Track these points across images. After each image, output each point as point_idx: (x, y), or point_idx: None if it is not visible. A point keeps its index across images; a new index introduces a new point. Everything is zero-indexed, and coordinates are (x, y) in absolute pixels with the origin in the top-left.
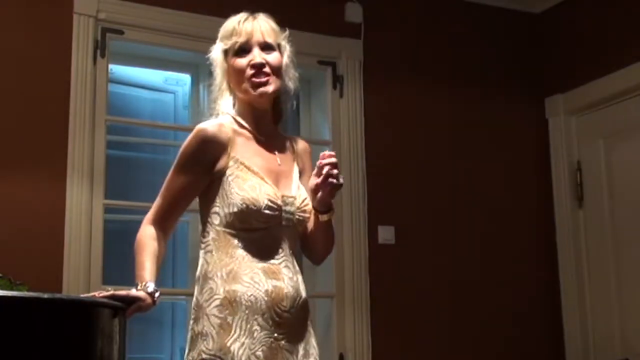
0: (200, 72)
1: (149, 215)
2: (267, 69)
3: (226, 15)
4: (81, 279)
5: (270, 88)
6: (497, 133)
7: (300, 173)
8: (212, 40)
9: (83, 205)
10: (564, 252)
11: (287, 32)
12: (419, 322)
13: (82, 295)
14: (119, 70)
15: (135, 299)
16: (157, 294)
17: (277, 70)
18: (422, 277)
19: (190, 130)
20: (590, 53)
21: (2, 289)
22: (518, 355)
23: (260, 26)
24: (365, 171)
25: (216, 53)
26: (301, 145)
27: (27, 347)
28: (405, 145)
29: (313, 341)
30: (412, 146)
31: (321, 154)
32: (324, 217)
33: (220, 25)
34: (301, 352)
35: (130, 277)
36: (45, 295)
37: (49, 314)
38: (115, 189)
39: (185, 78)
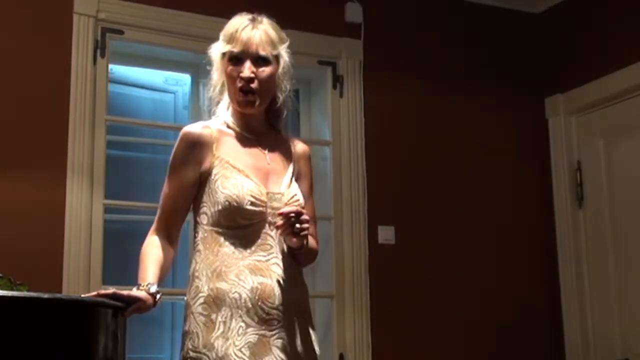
0: (200, 72)
1: (153, 225)
2: (255, 85)
3: (226, 15)
4: (81, 279)
5: (254, 105)
6: (497, 133)
7: (298, 175)
8: (212, 40)
9: (83, 205)
10: (564, 252)
11: (287, 42)
12: (418, 322)
13: (83, 295)
14: (119, 70)
15: (135, 299)
16: (158, 296)
17: (265, 85)
18: (422, 277)
19: None
20: (590, 53)
21: (2, 289)
22: (518, 355)
23: (258, 37)
24: (365, 171)
25: (215, 53)
26: (300, 148)
27: (27, 347)
28: (405, 145)
29: (312, 340)
30: (412, 146)
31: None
32: (295, 251)
33: (220, 25)
34: (298, 349)
35: (130, 276)
36: (45, 295)
37: (49, 314)
38: (115, 189)
39: (185, 78)
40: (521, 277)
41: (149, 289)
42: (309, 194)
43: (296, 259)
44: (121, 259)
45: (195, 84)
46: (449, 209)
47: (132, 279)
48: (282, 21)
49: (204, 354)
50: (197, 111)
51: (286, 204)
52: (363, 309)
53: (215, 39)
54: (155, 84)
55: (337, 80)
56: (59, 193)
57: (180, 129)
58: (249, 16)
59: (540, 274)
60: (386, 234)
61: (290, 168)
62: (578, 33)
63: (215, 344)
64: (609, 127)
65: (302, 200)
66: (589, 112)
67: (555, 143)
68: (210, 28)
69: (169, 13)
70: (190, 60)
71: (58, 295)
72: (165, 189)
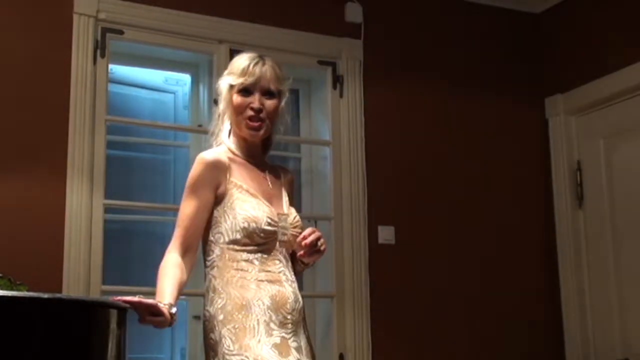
0: (200, 72)
1: (171, 244)
2: (263, 114)
3: (226, 15)
4: (81, 279)
5: (261, 133)
6: (497, 133)
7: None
8: (212, 40)
9: (83, 205)
10: (564, 252)
11: (290, 80)
12: (418, 322)
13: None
14: (119, 70)
15: (160, 313)
16: (175, 317)
17: (271, 116)
18: (422, 277)
19: (190, 130)
20: (590, 53)
21: (2, 289)
22: (518, 355)
23: (267, 73)
24: (365, 171)
25: (224, 85)
26: (287, 174)
27: (27, 347)
28: (405, 145)
29: (309, 343)
30: (412, 146)
31: (302, 234)
32: (305, 267)
33: (220, 25)
34: (304, 351)
35: (130, 276)
36: (45, 295)
37: (49, 314)
38: (115, 189)
39: (185, 78)
40: (521, 277)
41: (170, 309)
42: None
43: (295, 272)
44: (121, 259)
45: (195, 84)
46: (448, 209)
47: (132, 279)
48: (283, 21)
49: (243, 355)
50: (197, 111)
51: (291, 224)
52: (363, 309)
53: (215, 39)
54: (155, 84)
55: (337, 80)
56: (59, 193)
57: (180, 129)
58: (256, 54)
59: (540, 274)
60: (386, 234)
61: (284, 191)
62: (578, 33)
63: (251, 345)
64: (609, 127)
65: (300, 220)
66: (589, 112)
67: (555, 143)
68: (210, 28)
69: (169, 13)
70: (190, 60)
71: (58, 295)
72: (184, 209)
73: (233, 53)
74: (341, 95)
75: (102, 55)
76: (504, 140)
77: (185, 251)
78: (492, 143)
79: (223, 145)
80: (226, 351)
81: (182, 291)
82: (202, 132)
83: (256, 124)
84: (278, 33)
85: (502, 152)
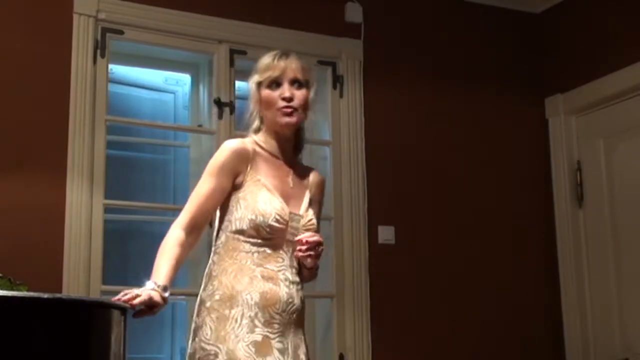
0: (200, 72)
1: (179, 219)
2: (294, 103)
3: (227, 15)
4: (81, 279)
5: (294, 120)
6: (497, 133)
7: (311, 201)
8: (212, 40)
9: (83, 205)
10: (564, 252)
11: (315, 73)
12: (419, 322)
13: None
14: (119, 70)
15: (155, 304)
16: (167, 300)
17: (303, 105)
18: (422, 277)
19: (190, 130)
20: (590, 53)
21: (2, 289)
22: (518, 355)
23: (292, 63)
24: (365, 171)
25: (251, 84)
26: (316, 178)
27: (27, 347)
28: (405, 145)
29: (304, 348)
30: (412, 146)
31: (297, 239)
32: (309, 272)
33: (220, 25)
34: (291, 354)
35: (130, 276)
36: (45, 295)
37: (49, 314)
38: (115, 189)
39: (185, 78)
40: (521, 277)
41: (164, 293)
42: (317, 218)
43: (301, 274)
44: (121, 259)
45: (195, 84)
46: (449, 209)
47: (132, 279)
48: (282, 21)
49: (216, 346)
50: (197, 111)
51: (303, 226)
52: (363, 309)
53: (215, 39)
54: (155, 84)
55: (337, 81)
56: (59, 193)
57: (180, 129)
58: (278, 50)
59: (540, 274)
60: (386, 234)
61: (307, 194)
62: (578, 33)
63: (227, 338)
64: (609, 127)
65: (315, 224)
66: (589, 112)
67: (555, 143)
68: (210, 28)
69: (169, 13)
70: (190, 60)
71: (58, 295)
72: (200, 188)
73: (233, 53)
74: (341, 95)
75: (102, 55)
76: (504, 140)
77: (192, 229)
78: (492, 143)
79: (251, 137)
80: (203, 338)
81: (182, 264)
82: (202, 132)
83: (289, 111)
84: (278, 33)
85: (502, 152)
